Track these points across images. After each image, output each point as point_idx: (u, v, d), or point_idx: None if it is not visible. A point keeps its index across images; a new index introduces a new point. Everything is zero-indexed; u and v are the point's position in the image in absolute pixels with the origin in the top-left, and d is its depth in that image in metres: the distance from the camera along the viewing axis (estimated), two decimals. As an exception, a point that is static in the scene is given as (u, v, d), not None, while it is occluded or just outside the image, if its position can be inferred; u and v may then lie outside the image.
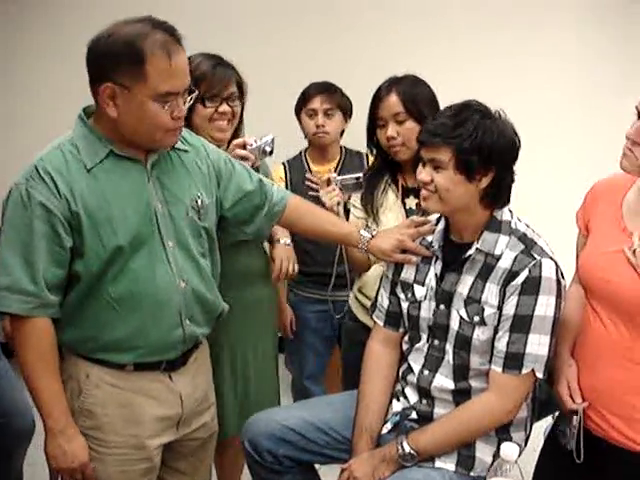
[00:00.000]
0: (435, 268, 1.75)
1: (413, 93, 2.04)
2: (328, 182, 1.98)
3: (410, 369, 1.79)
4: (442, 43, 3.30)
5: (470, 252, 1.67)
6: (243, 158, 1.95)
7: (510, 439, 1.69)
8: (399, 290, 1.81)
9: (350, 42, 3.39)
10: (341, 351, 2.86)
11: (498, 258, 1.64)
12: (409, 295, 1.78)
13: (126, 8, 1.58)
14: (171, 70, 1.49)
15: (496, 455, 1.65)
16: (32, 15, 3.49)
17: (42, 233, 1.51)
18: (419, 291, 1.76)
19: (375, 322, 1.88)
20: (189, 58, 1.98)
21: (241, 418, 2.06)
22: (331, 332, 2.79)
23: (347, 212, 2.18)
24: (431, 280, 1.74)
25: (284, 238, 2.25)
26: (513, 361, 1.62)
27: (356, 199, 2.16)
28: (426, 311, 1.74)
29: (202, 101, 2.00)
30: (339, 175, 2.13)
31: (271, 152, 2.02)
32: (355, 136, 2.74)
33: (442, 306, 1.71)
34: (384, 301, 1.85)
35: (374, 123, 2.09)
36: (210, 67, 2.02)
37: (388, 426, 1.79)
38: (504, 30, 3.19)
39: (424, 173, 1.65)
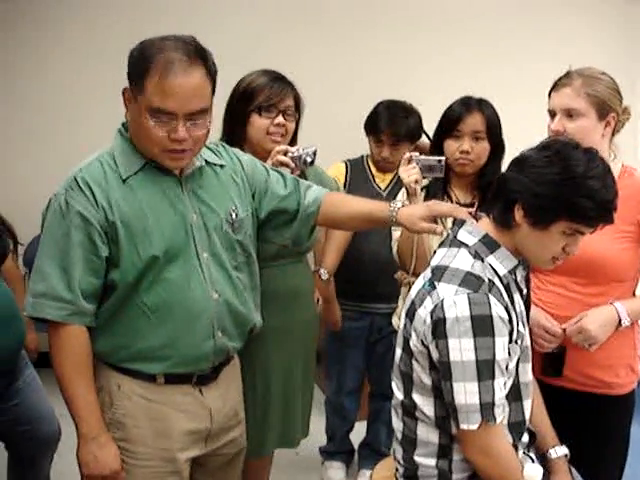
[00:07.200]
0: (519, 302, 1.61)
1: (495, 117, 2.14)
2: (409, 160, 1.98)
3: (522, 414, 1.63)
4: (448, 48, 3.38)
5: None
6: (283, 164, 1.96)
7: None
8: (512, 349, 1.55)
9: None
10: None
11: None
12: (520, 341, 1.58)
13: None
14: (164, 89, 1.49)
15: None
16: (31, 15, 3.59)
17: (79, 242, 1.54)
18: (524, 329, 1.61)
19: (499, 424, 1.54)
20: (249, 75, 2.06)
21: (278, 436, 2.16)
22: (369, 347, 2.79)
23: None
24: (521, 312, 1.61)
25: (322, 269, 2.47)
26: None
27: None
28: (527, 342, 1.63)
29: (258, 111, 2.02)
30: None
31: (312, 163, 2.04)
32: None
33: (528, 326, 1.66)
34: (503, 392, 1.54)
35: (447, 133, 2.12)
36: (268, 80, 2.05)
37: None
38: (505, 33, 3.26)
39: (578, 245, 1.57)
